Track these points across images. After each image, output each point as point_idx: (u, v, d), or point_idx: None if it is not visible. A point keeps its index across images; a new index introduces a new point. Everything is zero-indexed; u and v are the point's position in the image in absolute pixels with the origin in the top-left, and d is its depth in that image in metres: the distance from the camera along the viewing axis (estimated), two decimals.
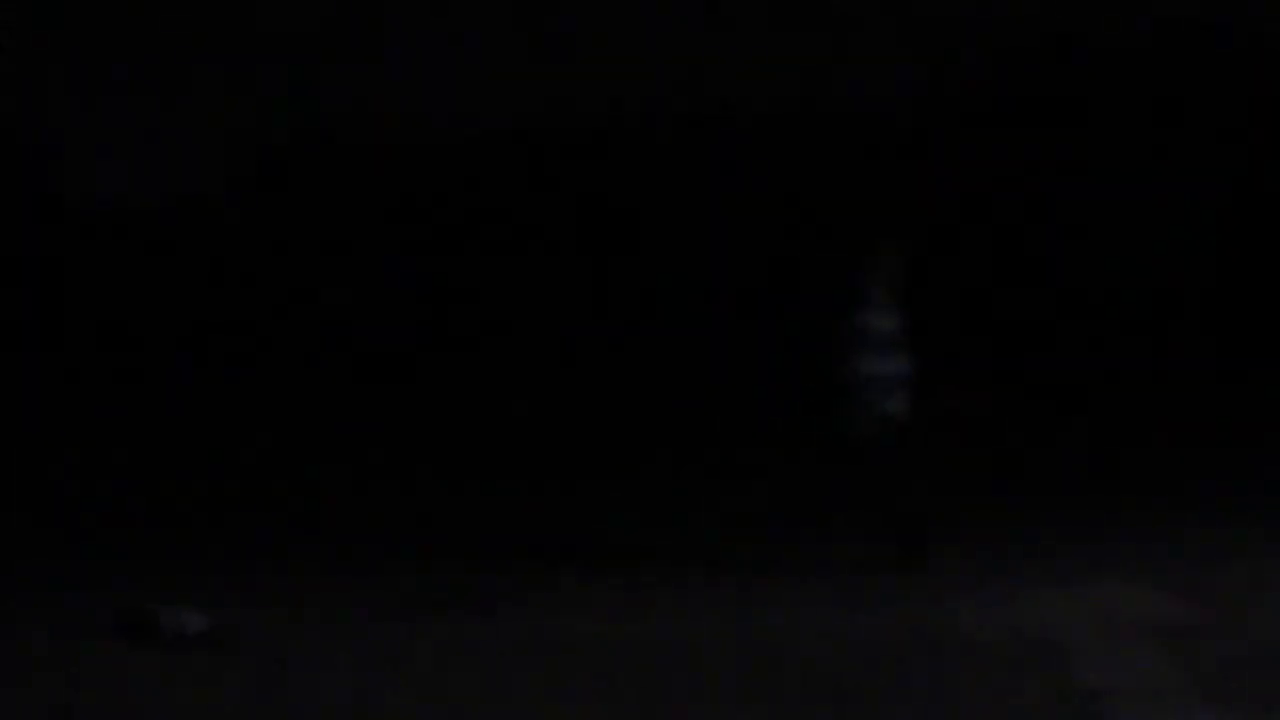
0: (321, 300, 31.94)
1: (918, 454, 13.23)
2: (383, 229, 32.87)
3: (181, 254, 33.06)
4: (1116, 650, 10.14)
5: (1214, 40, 30.86)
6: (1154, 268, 30.78)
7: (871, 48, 29.49)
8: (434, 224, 32.49)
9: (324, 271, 32.63)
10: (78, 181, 34.37)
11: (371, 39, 30.78)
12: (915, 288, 13.80)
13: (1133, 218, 30.80)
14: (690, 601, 12.33)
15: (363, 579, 13.89)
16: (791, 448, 17.53)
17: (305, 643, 11.08)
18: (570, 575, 13.68)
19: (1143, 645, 10.25)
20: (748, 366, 27.77)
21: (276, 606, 12.48)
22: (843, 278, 13.66)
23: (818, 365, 13.53)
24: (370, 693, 9.57)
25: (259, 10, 30.62)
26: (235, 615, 11.58)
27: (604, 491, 18.57)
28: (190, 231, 33.43)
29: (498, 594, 12.76)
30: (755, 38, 29.90)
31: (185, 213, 33.49)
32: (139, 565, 14.64)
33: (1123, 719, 8.67)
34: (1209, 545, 13.85)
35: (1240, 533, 14.34)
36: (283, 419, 25.49)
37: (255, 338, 31.20)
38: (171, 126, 31.79)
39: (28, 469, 21.66)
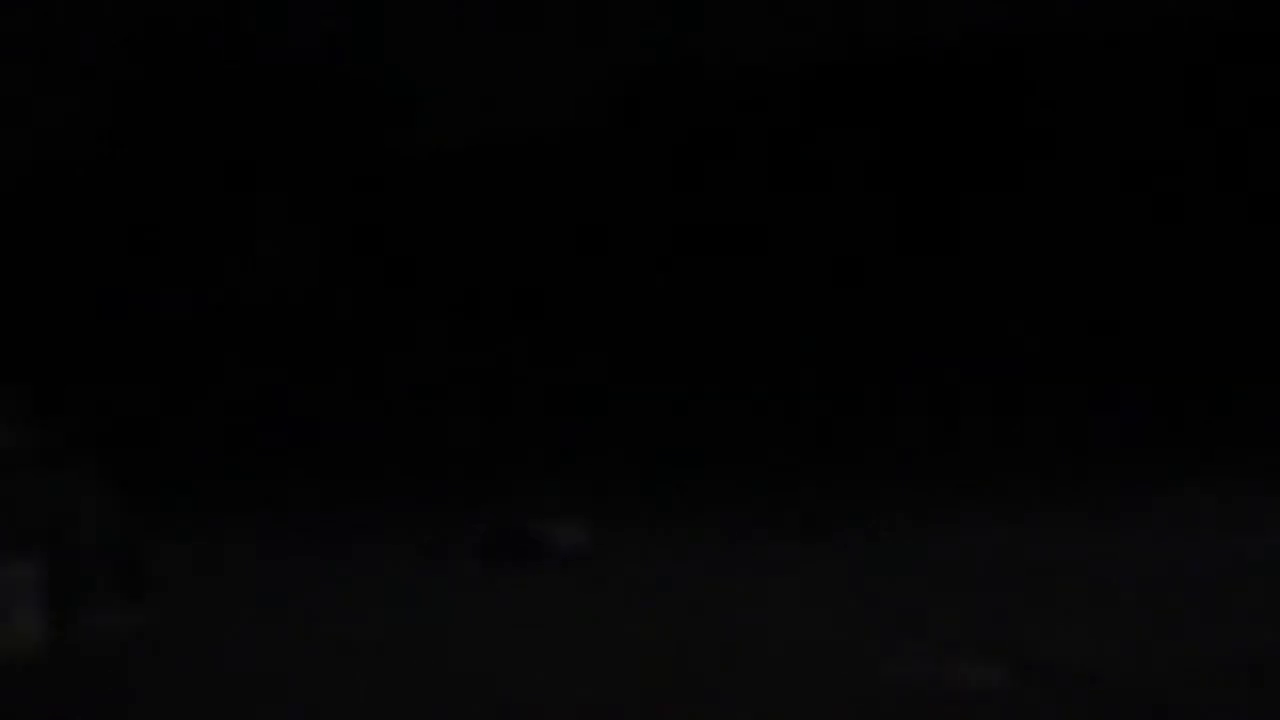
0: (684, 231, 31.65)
1: None
2: (747, 164, 32.57)
3: (537, 191, 33.36)
4: None
5: None
6: None
7: None
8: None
9: (681, 207, 32.63)
10: (427, 120, 34.94)
11: None
12: None
13: None
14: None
15: (731, 499, 14.15)
16: None
17: (670, 559, 11.34)
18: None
19: None
20: None
21: (646, 524, 12.78)
22: None
23: None
24: (727, 606, 9.74)
25: None
26: (604, 531, 11.89)
27: None
28: (542, 169, 33.73)
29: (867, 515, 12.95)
30: None
31: (536, 151, 33.80)
32: (518, 483, 15.04)
33: None
34: None
35: None
36: (650, 347, 25.67)
37: (611, 268, 31.30)
38: (522, 65, 32.03)
39: (403, 393, 22.22)
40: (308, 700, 7.72)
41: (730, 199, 32.55)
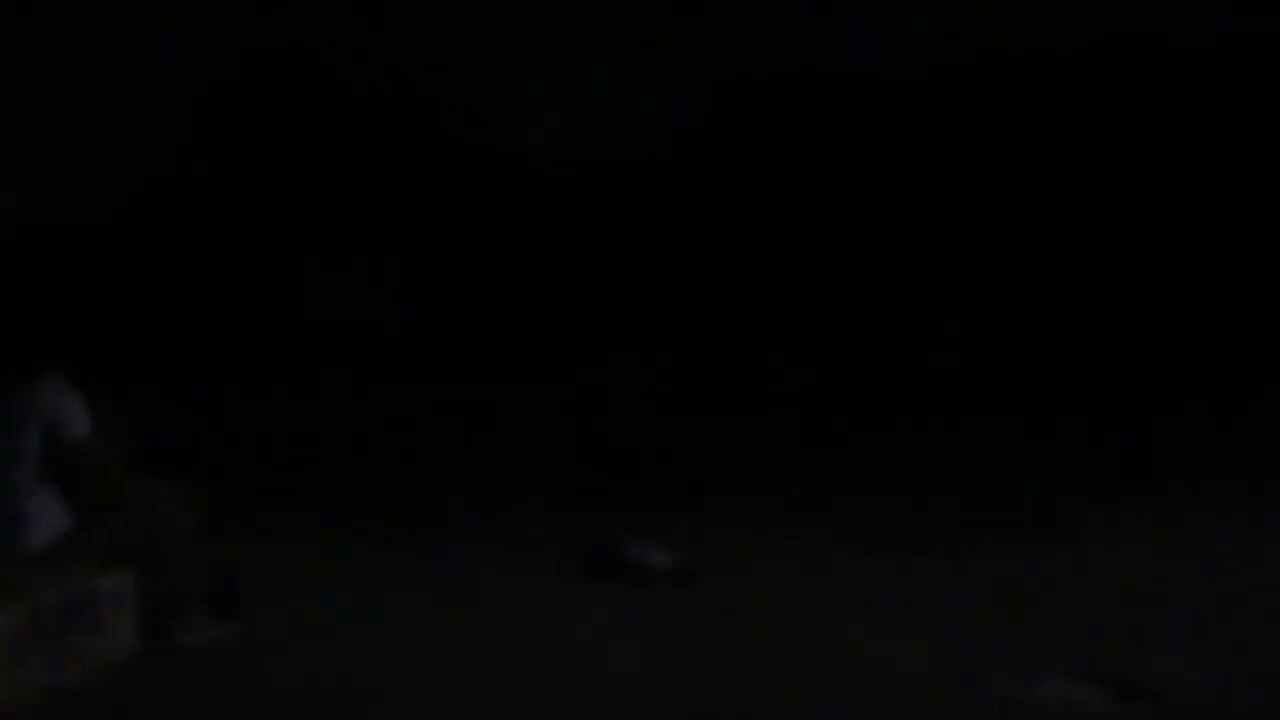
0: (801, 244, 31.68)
1: None
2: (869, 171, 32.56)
3: (624, 206, 33.47)
4: None
5: None
6: None
7: None
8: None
9: (766, 218, 32.70)
10: (511, 134, 35.19)
11: None
12: None
13: None
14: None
15: (831, 518, 14.13)
16: None
17: (768, 580, 11.28)
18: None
19: None
20: None
21: (742, 545, 12.76)
22: None
23: None
24: (830, 625, 9.68)
25: None
26: (700, 553, 11.87)
27: None
28: (630, 184, 33.82)
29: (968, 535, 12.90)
30: None
31: (623, 166, 33.86)
32: (607, 505, 15.09)
33: None
34: None
35: None
36: (749, 365, 25.78)
37: (707, 285, 31.37)
38: (603, 78, 32.40)
39: (505, 412, 22.41)
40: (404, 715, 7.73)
41: (820, 210, 32.54)
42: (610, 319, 31.02)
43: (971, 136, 32.73)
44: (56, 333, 9.31)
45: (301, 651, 9.10)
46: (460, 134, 37.38)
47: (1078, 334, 27.48)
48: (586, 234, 33.73)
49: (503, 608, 10.45)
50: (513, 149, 35.81)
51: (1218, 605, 9.92)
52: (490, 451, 19.96)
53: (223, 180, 40.75)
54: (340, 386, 29.76)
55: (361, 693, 8.09)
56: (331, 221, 38.25)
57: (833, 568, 11.75)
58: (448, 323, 32.90)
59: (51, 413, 9.01)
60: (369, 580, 11.70)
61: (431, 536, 13.82)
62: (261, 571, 11.06)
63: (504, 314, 32.36)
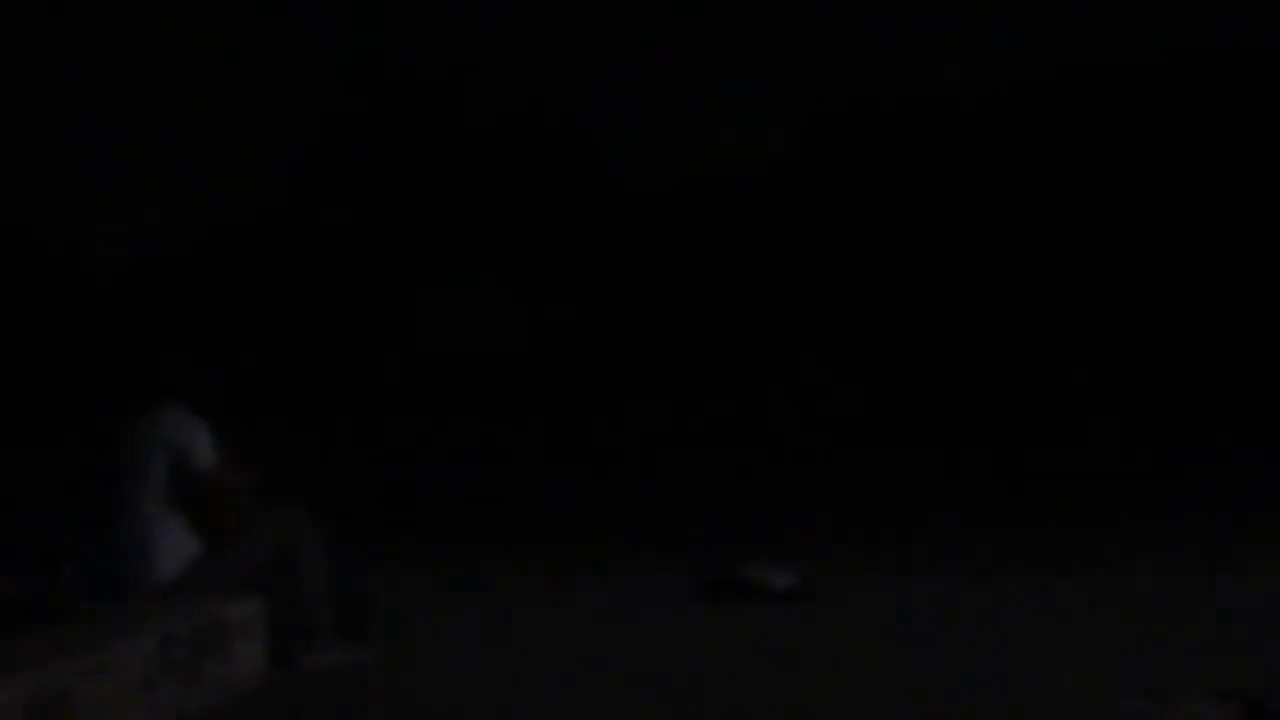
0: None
1: None
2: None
3: (747, 232, 33.50)
4: None
5: None
6: None
7: None
8: None
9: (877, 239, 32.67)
10: (624, 160, 35.32)
11: None
12: None
13: None
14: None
15: (956, 536, 14.09)
16: None
17: (894, 599, 11.27)
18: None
19: None
20: None
21: (871, 566, 12.76)
22: None
23: None
24: (949, 643, 9.65)
25: None
26: (828, 575, 11.88)
27: None
28: (740, 209, 33.86)
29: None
30: None
31: (730, 190, 33.91)
32: (730, 526, 15.13)
33: None
34: None
35: None
36: (855, 390, 25.71)
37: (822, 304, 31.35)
38: (714, 105, 32.49)
39: (613, 440, 22.49)
40: None
41: (934, 229, 32.45)
42: (733, 347, 31.02)
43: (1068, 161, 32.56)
44: (181, 363, 9.44)
45: (430, 675, 9.17)
46: (574, 159, 37.55)
47: (1193, 357, 27.25)
48: (708, 259, 33.77)
49: (630, 627, 10.50)
50: (628, 175, 35.92)
51: None
52: (618, 476, 20.03)
53: (339, 209, 41.12)
54: (464, 413, 29.93)
55: (491, 716, 8.14)
56: (450, 249, 38.51)
57: (958, 587, 11.72)
58: (570, 350, 33.02)
59: (177, 442, 9.14)
60: (496, 603, 11.76)
61: (558, 560, 13.88)
62: (389, 596, 11.14)
63: (628, 341, 32.45)
